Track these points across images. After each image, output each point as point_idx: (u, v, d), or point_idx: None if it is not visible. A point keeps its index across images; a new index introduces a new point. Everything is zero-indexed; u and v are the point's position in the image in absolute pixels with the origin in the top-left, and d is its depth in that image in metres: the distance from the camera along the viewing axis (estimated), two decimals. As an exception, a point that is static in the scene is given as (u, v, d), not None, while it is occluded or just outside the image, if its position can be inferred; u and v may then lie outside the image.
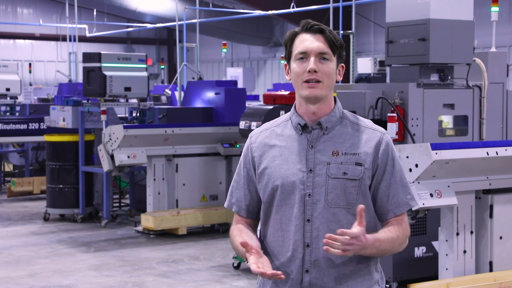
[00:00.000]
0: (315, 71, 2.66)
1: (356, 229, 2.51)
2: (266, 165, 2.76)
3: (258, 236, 2.82)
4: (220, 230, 9.89)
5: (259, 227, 2.85)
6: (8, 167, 15.53)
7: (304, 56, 2.68)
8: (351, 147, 2.70)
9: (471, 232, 5.91)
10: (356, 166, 2.67)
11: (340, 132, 2.72)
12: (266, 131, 2.83)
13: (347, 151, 2.69)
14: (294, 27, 2.77)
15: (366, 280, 2.72)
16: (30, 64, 24.88)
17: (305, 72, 2.67)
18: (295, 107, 2.78)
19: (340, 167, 2.67)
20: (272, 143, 2.78)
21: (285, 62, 2.78)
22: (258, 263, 2.57)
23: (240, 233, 2.78)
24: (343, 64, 2.79)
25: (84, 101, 10.62)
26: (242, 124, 8.31)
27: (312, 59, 2.67)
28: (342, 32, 12.99)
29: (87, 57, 10.57)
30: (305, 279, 2.68)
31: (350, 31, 12.95)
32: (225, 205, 2.92)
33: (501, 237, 6.00)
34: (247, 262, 2.62)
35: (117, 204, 11.55)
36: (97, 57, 10.34)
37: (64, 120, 10.85)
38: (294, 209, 2.69)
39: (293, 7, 19.35)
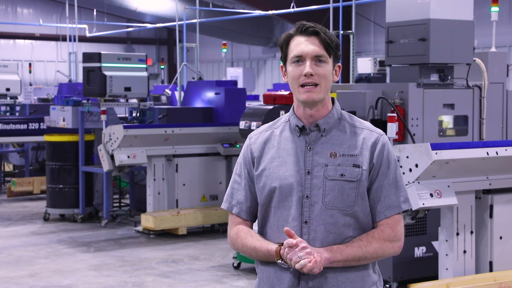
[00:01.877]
0: (311, 75, 2.66)
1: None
2: (265, 166, 2.75)
3: None
4: (220, 230, 9.89)
5: (255, 228, 2.83)
6: (8, 167, 15.53)
7: (300, 59, 2.67)
8: (348, 148, 2.69)
9: (471, 232, 5.91)
10: (354, 168, 2.67)
11: (338, 134, 2.72)
12: (265, 132, 2.82)
13: (345, 153, 2.68)
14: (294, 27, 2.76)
15: (364, 282, 2.71)
16: (30, 64, 24.87)
17: (301, 76, 2.67)
18: (293, 108, 2.78)
19: (338, 169, 2.66)
20: (271, 145, 2.77)
21: (281, 64, 2.78)
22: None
23: (251, 234, 2.76)
24: (339, 64, 2.78)
25: (84, 101, 10.62)
26: (242, 124, 8.31)
27: (307, 63, 2.66)
28: (342, 32, 12.98)
29: (87, 57, 10.57)
30: (303, 280, 2.67)
31: (350, 31, 12.94)
32: (224, 206, 2.86)
33: (501, 237, 6.00)
34: (281, 261, 2.61)
35: (117, 204, 11.55)
36: (97, 57, 10.34)
37: (64, 120, 10.85)
38: (292, 210, 2.68)
39: (293, 7, 19.35)
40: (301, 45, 2.67)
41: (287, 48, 2.72)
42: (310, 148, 2.70)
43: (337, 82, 2.81)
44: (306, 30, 2.69)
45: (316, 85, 2.66)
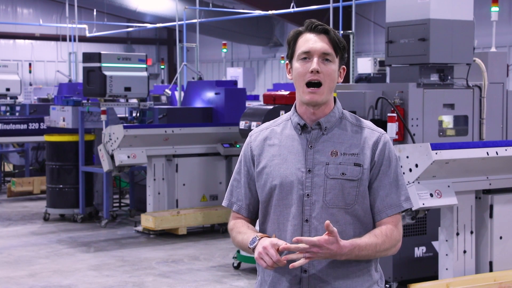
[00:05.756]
0: (317, 72, 2.65)
1: (316, 238, 2.51)
2: (265, 164, 2.75)
3: None
4: (220, 230, 9.89)
5: (257, 226, 2.84)
6: (8, 167, 15.52)
7: (307, 56, 2.66)
8: (350, 147, 2.69)
9: (471, 232, 5.91)
10: (355, 167, 2.66)
11: (339, 133, 2.71)
12: (266, 130, 2.82)
13: (346, 151, 2.68)
14: (294, 27, 2.77)
15: (365, 280, 2.71)
16: (30, 64, 24.88)
17: (307, 73, 2.65)
18: (295, 106, 2.77)
19: (339, 168, 2.66)
20: (271, 142, 2.77)
21: (287, 61, 2.77)
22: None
23: (240, 231, 2.78)
24: (344, 66, 2.78)
25: (84, 101, 10.62)
26: (242, 124, 8.31)
27: (315, 59, 2.65)
28: (342, 32, 12.98)
29: (87, 57, 10.57)
30: (303, 279, 2.67)
31: (350, 31, 12.95)
32: (224, 204, 2.89)
33: (501, 237, 5.99)
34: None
35: (117, 204, 11.55)
36: (97, 57, 10.34)
37: (64, 120, 10.85)
38: (292, 208, 2.68)
39: (293, 7, 19.36)
40: (310, 41, 2.67)
41: (295, 44, 2.70)
42: (311, 147, 2.70)
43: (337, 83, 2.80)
44: (316, 27, 2.68)
45: (320, 85, 2.65)
